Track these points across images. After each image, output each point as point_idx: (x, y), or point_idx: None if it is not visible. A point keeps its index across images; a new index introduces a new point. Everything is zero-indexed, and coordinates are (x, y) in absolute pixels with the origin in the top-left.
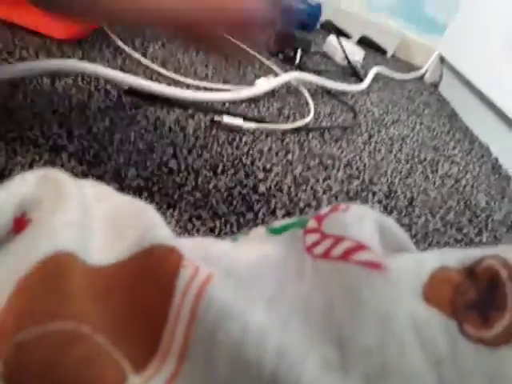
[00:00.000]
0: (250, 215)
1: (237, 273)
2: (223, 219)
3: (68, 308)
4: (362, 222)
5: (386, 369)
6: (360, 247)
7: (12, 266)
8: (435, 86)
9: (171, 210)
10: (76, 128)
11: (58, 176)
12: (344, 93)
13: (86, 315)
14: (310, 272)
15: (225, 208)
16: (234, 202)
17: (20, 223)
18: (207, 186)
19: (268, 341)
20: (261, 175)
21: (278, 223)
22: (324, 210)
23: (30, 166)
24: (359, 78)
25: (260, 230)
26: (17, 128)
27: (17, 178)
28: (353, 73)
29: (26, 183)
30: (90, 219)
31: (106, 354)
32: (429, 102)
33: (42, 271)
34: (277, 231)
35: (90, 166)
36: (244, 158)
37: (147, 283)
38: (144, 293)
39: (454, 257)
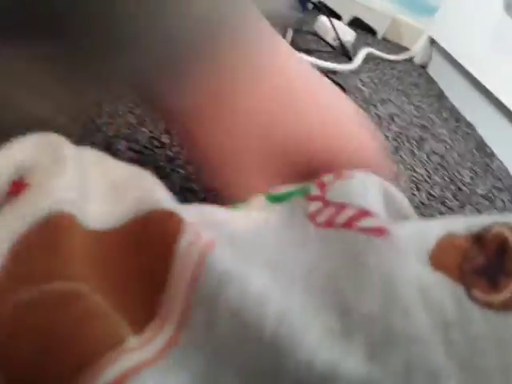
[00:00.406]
0: None
1: (237, 240)
2: (214, 192)
3: (67, 269)
4: (366, 188)
5: (390, 335)
6: (364, 214)
7: (8, 226)
8: (424, 67)
9: (163, 182)
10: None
11: (55, 139)
12: (335, 72)
13: (85, 277)
14: (312, 240)
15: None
16: None
17: (17, 187)
18: None
19: (268, 305)
20: None
21: (279, 190)
22: (327, 177)
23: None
24: (350, 59)
25: (260, 198)
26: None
27: (14, 142)
28: (344, 53)
29: (24, 147)
30: (88, 183)
31: (104, 314)
32: (418, 82)
33: (39, 231)
34: (278, 199)
35: (78, 137)
36: None
37: (146, 248)
38: (143, 257)
39: (461, 224)
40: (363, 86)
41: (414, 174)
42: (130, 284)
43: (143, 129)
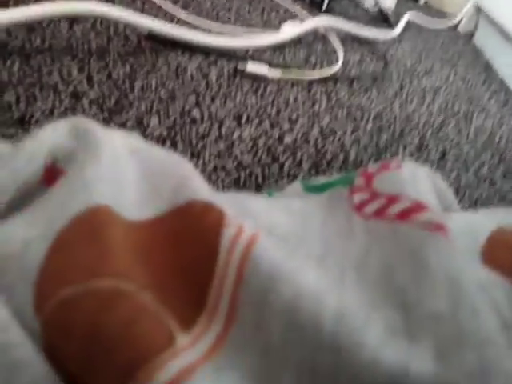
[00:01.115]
0: (275, 167)
1: (279, 231)
2: (248, 170)
3: (109, 264)
4: (416, 180)
5: (460, 335)
6: (420, 207)
7: (47, 221)
8: (470, 35)
9: (195, 160)
10: (96, 74)
11: (89, 126)
12: (374, 40)
13: (129, 272)
14: (360, 232)
15: (249, 159)
16: (259, 153)
17: (51, 175)
18: (231, 136)
19: (325, 304)
20: (286, 126)
21: (317, 180)
22: (372, 166)
23: (51, 113)
24: (390, 26)
25: (296, 187)
26: (35, 73)
27: (48, 127)
28: (383, 20)
29: (57, 132)
30: (123, 172)
31: (151, 312)
32: (463, 52)
33: (78, 226)
34: (318, 189)
35: (111, 113)
36: (269, 108)
37: (188, 241)
38: (186, 251)
39: (509, 218)
40: (405, 55)
41: (461, 153)
42: (175, 280)
43: (175, 104)
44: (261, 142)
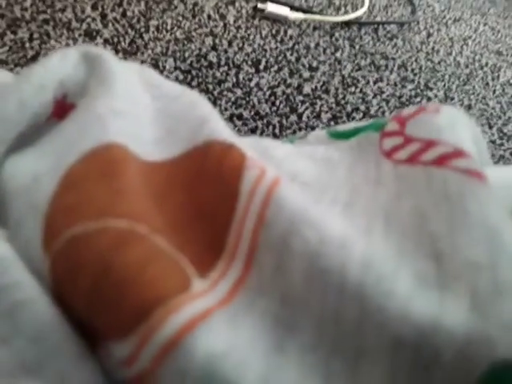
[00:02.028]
0: (293, 117)
1: (303, 178)
2: (265, 120)
3: (122, 204)
4: (455, 126)
5: (498, 286)
6: (459, 153)
7: (58, 156)
8: None
9: None
10: (110, 11)
11: (102, 55)
12: None
13: (142, 213)
14: (390, 177)
15: (267, 108)
16: (277, 103)
17: (62, 107)
18: (249, 83)
19: (351, 250)
20: (306, 74)
21: (343, 127)
22: (406, 110)
23: None
24: None
25: (320, 134)
26: (49, 9)
27: (57, 54)
28: None
29: (68, 61)
30: (139, 108)
31: (165, 255)
32: (495, 0)
33: (91, 163)
34: (343, 135)
35: (126, 53)
36: (288, 54)
37: (207, 183)
38: (204, 193)
39: None
40: (434, 0)
41: (486, 108)
42: (192, 222)
43: (191, 45)
44: (279, 90)
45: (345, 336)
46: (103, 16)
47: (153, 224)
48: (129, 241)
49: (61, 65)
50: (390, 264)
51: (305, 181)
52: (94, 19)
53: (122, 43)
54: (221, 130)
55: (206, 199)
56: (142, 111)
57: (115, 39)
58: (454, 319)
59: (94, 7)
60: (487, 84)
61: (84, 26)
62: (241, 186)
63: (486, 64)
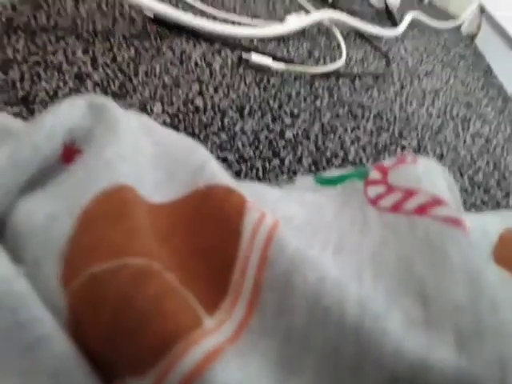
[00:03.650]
0: (276, 161)
1: (296, 221)
2: (249, 163)
3: (137, 244)
4: (432, 175)
5: (479, 327)
6: (437, 202)
7: (71, 198)
8: (472, 37)
9: None
10: (101, 55)
11: (108, 105)
12: (378, 38)
13: (155, 252)
14: (376, 225)
15: (251, 152)
16: (261, 147)
17: (69, 153)
18: (233, 127)
19: (347, 290)
20: (288, 121)
21: (328, 174)
22: (387, 161)
23: (55, 93)
24: (394, 23)
25: (307, 180)
26: (40, 51)
27: (65, 103)
28: (388, 17)
29: (76, 109)
30: (142, 153)
31: (178, 292)
32: (464, 54)
33: (104, 203)
34: (330, 182)
35: (115, 97)
36: (271, 102)
37: (210, 224)
38: (207, 234)
39: None
40: (407, 54)
41: (457, 157)
42: (197, 263)
43: (178, 90)
44: (262, 135)
45: (345, 372)
46: (93, 60)
47: (164, 262)
48: (147, 276)
49: (69, 113)
50: (382, 304)
51: (297, 224)
52: (84, 62)
53: (112, 86)
54: (221, 174)
55: (208, 239)
56: (143, 156)
57: (105, 82)
58: (443, 358)
59: (85, 51)
60: (458, 134)
61: (75, 68)
62: (243, 226)
63: (457, 115)
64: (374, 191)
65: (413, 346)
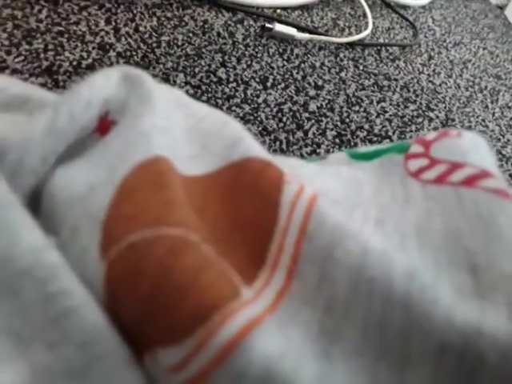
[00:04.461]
0: (299, 133)
1: (333, 194)
2: (272, 135)
3: (175, 213)
4: (479, 150)
5: None
6: (486, 174)
7: (110, 168)
8: (501, 8)
9: None
10: (123, 26)
11: (142, 76)
12: (404, 7)
13: (192, 223)
14: (419, 197)
15: (274, 124)
16: (284, 119)
17: (105, 124)
18: (257, 99)
19: (394, 261)
20: (312, 92)
21: (363, 149)
22: (429, 134)
23: (78, 64)
24: None
25: (340, 155)
26: (63, 21)
27: (100, 75)
28: None
29: (110, 80)
30: (175, 126)
31: (215, 263)
32: (494, 25)
33: (142, 174)
34: (365, 157)
35: (138, 67)
36: (295, 73)
37: (247, 196)
38: (243, 205)
39: None
40: (435, 24)
41: (486, 130)
42: (235, 233)
43: (201, 61)
44: (286, 107)
45: (390, 343)
46: (116, 30)
47: (201, 233)
48: (184, 248)
49: (105, 84)
50: (430, 275)
51: (335, 198)
52: (107, 33)
53: (135, 57)
54: (256, 147)
55: (245, 211)
56: (177, 129)
57: (128, 53)
58: (496, 326)
59: (108, 21)
60: (486, 107)
61: (98, 39)
62: (281, 198)
63: (486, 87)
64: (415, 164)
65: (464, 315)
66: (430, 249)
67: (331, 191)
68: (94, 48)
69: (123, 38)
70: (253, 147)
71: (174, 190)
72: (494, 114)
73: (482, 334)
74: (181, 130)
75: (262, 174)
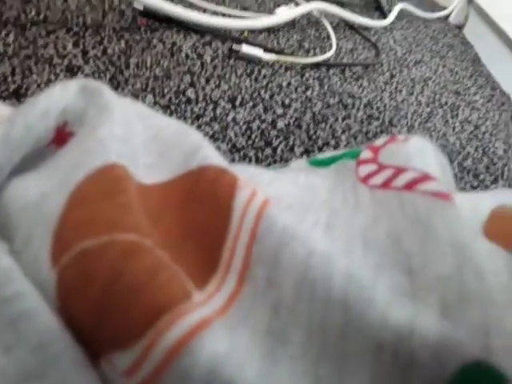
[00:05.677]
0: (268, 150)
1: (287, 201)
2: (242, 153)
3: (128, 220)
4: (423, 153)
5: (464, 295)
6: (426, 178)
7: (64, 176)
8: (460, 27)
9: None
10: (91, 49)
11: (100, 87)
12: (367, 28)
13: (146, 230)
14: (367, 202)
15: (243, 141)
16: (253, 137)
17: (62, 135)
18: (226, 117)
19: (335, 263)
20: (279, 110)
21: (322, 156)
22: (378, 141)
23: (46, 86)
24: (383, 14)
25: (300, 162)
26: (31, 45)
27: (58, 86)
28: (377, 7)
29: (68, 92)
30: (134, 135)
31: (168, 267)
32: (453, 44)
33: (98, 180)
34: (323, 163)
35: None
36: (263, 92)
37: (201, 201)
38: (198, 211)
39: (507, 198)
40: (396, 44)
41: (447, 144)
42: (188, 239)
43: (170, 82)
44: (254, 125)
45: (331, 342)
46: (84, 53)
47: (154, 239)
48: (137, 252)
49: (62, 94)
50: (369, 277)
51: (289, 204)
52: (75, 56)
53: (103, 79)
54: (213, 156)
55: (199, 217)
56: (136, 138)
57: (96, 75)
58: (427, 325)
59: (76, 44)
60: (447, 122)
61: (65, 61)
62: (234, 204)
63: (446, 103)
64: (365, 170)
65: (397, 314)
66: (374, 252)
67: (286, 197)
68: (61, 70)
69: (91, 61)
70: (210, 156)
71: (130, 195)
72: (454, 128)
73: (414, 334)
74: (140, 139)
75: (216, 181)
